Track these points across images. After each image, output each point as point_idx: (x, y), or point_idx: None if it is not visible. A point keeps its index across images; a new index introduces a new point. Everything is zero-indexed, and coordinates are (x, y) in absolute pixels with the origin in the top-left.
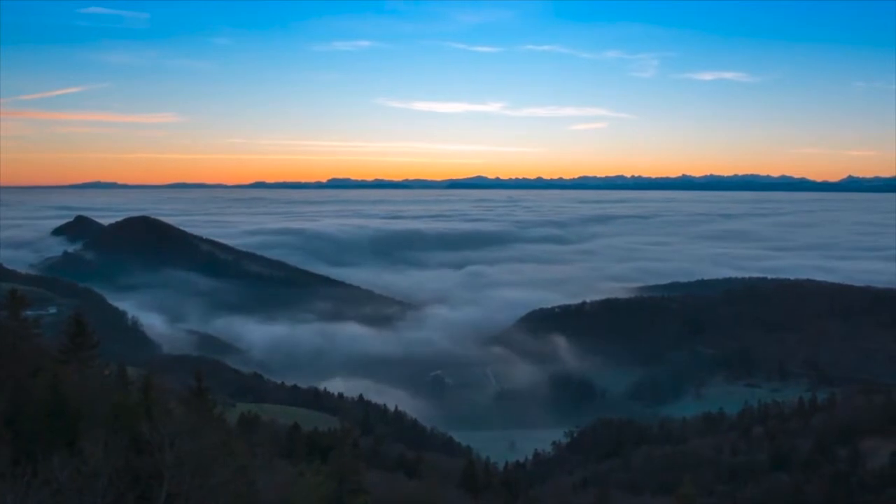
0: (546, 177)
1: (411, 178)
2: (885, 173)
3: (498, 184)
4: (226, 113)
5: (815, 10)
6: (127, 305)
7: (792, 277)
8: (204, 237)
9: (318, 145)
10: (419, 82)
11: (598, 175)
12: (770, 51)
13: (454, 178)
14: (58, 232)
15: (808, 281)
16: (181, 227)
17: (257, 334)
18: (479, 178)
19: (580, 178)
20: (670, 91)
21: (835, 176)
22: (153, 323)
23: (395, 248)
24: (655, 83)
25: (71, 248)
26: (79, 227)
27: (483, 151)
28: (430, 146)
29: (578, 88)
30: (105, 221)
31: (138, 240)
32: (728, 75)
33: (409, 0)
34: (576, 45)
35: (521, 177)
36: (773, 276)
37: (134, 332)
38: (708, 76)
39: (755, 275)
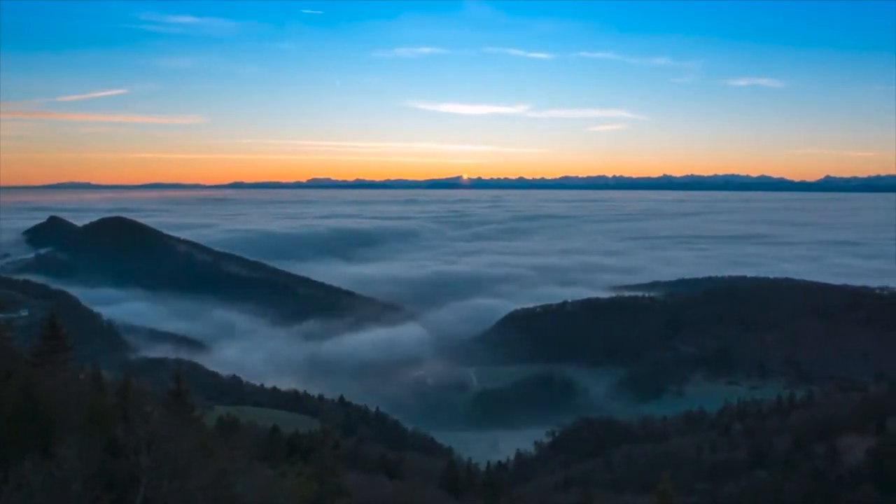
0: (528, 177)
1: (393, 178)
2: (862, 173)
3: (478, 184)
4: (248, 115)
5: (802, 13)
6: (102, 307)
7: (771, 276)
8: (181, 238)
9: (315, 145)
10: (460, 86)
11: (580, 175)
12: (761, 55)
13: (436, 178)
14: (30, 233)
15: (787, 280)
16: (156, 228)
17: (236, 335)
18: (460, 178)
19: (562, 178)
20: (694, 95)
21: (813, 176)
22: (129, 325)
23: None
24: (689, 88)
25: (43, 250)
26: (51, 228)
27: (482, 152)
28: (437, 147)
29: (609, 92)
30: (78, 222)
31: (113, 240)
32: (764, 81)
33: (481, 7)
34: (627, 51)
35: (502, 177)
36: (752, 276)
37: (109, 335)
38: (743, 82)
39: (733, 274)
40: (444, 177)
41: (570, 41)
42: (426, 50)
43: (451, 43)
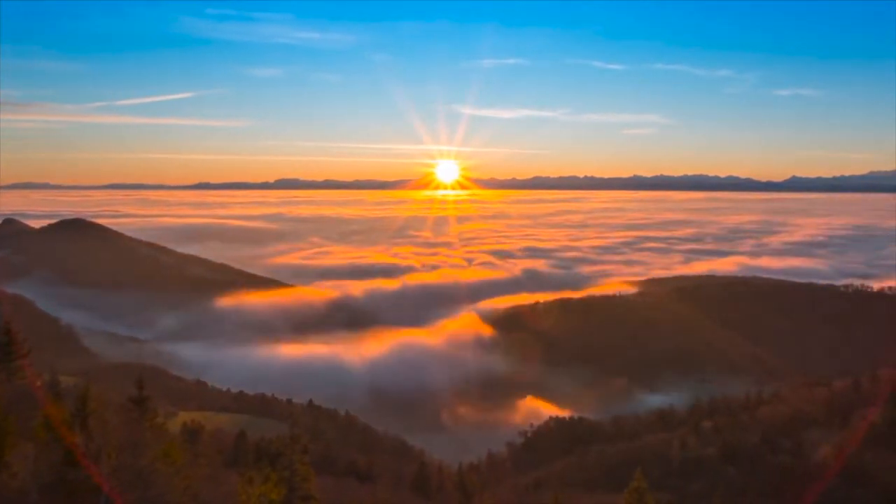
0: (500, 177)
1: (362, 178)
2: (826, 174)
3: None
4: (292, 119)
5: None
6: (61, 312)
7: (740, 275)
8: (144, 240)
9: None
10: (514, 92)
11: (552, 175)
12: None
13: (405, 178)
14: None
15: (755, 278)
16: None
17: (201, 338)
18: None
19: (533, 178)
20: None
21: (779, 176)
22: (89, 329)
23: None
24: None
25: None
26: (7, 231)
27: (480, 152)
28: (440, 148)
29: (650, 98)
30: (37, 224)
31: (72, 243)
32: (805, 91)
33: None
34: (694, 63)
35: (478, 177)
36: (721, 275)
37: (69, 340)
38: (785, 92)
39: (703, 272)
40: (412, 177)
41: (649, 54)
42: (511, 61)
43: (535, 54)
